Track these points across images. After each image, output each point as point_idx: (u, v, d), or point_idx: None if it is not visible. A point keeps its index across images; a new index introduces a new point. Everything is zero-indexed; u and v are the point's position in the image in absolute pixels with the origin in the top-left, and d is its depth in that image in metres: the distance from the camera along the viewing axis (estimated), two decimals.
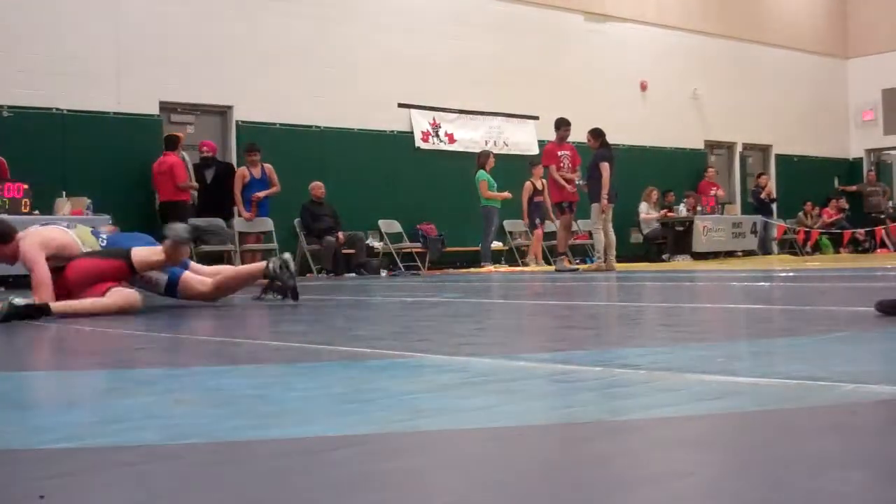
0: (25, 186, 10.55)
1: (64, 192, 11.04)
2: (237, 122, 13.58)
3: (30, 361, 3.32)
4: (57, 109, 11.98)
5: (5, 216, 9.37)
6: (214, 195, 12.51)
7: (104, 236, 5.89)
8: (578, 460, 1.44)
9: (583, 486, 1.28)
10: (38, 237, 5.49)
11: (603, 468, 1.37)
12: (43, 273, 5.30)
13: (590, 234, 12.87)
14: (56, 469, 1.46)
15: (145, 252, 5.52)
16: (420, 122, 15.15)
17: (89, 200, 10.89)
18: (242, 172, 12.81)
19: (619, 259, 12.92)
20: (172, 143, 11.90)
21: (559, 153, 12.53)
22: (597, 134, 12.22)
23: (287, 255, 5.78)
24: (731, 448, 1.53)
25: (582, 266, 13.24)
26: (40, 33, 11.84)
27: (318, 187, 13.25)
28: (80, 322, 4.63)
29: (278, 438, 1.63)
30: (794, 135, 19.81)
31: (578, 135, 12.99)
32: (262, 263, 5.92)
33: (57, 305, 5.11)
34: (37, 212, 10.46)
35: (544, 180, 13.52)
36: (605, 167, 11.81)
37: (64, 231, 5.68)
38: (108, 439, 1.65)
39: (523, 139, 16.07)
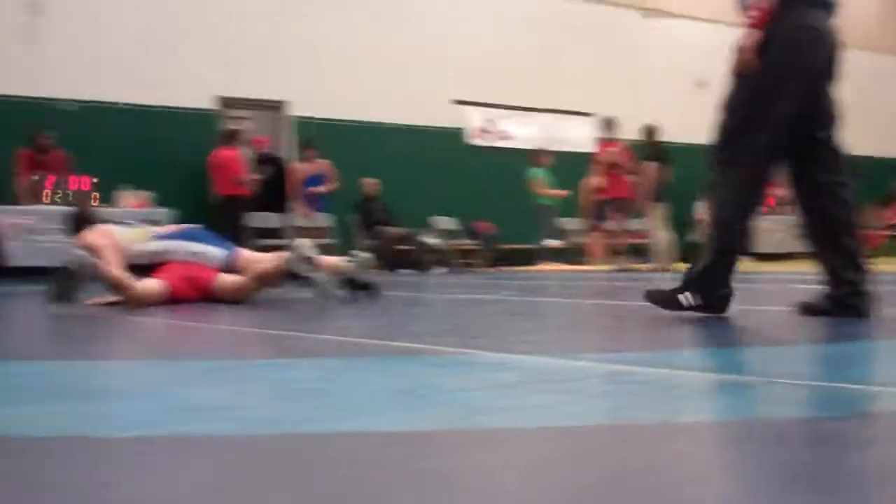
0: (95, 180, 10.77)
1: (127, 186, 11.24)
2: (293, 117, 13.70)
3: (101, 351, 3.39)
4: (125, 104, 12.20)
5: (70, 209, 9.58)
6: (271, 191, 12.62)
7: (160, 232, 5.93)
8: (635, 462, 1.43)
9: (639, 488, 1.27)
10: (99, 235, 5.60)
11: (659, 471, 1.36)
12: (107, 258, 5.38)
13: (647, 235, 12.76)
14: (126, 457, 1.49)
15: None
16: (474, 119, 15.13)
17: (151, 194, 11.08)
18: (300, 168, 12.92)
19: (677, 260, 12.79)
20: (228, 137, 12.01)
21: (609, 151, 12.48)
22: (649, 132, 12.13)
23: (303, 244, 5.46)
24: (791, 451, 1.51)
25: (640, 266, 13.14)
26: (100, 30, 12.05)
27: (371, 184, 13.31)
28: (150, 314, 4.71)
29: (338, 432, 1.65)
30: (853, 134, 19.40)
31: (632, 132, 12.89)
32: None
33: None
34: (103, 205, 10.66)
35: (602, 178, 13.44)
36: (652, 166, 11.73)
37: (115, 232, 5.72)
38: (176, 428, 1.69)
39: (578, 136, 15.98)
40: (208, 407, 1.91)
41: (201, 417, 1.80)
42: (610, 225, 12.45)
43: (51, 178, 10.61)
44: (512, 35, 15.22)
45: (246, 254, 5.88)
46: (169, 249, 5.66)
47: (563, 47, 15.83)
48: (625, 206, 12.33)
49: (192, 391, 2.14)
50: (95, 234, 5.60)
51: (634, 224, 14.26)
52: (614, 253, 12.50)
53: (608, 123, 12.71)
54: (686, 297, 3.76)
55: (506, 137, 15.41)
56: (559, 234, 15.04)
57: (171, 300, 5.24)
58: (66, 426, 1.77)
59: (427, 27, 14.24)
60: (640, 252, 15.23)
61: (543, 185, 13.64)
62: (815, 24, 3.67)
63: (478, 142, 15.22)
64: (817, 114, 3.78)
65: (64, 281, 4.93)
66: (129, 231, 5.83)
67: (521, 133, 15.52)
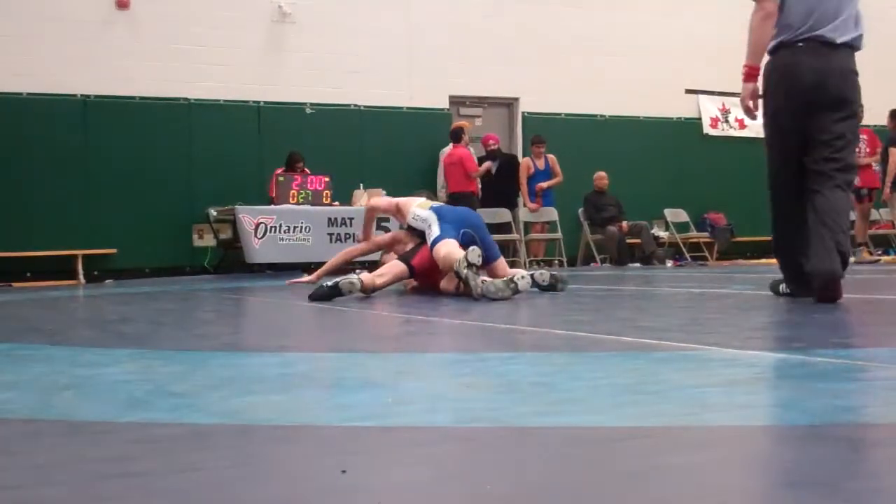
0: (327, 179, 11.27)
1: (361, 185, 11.69)
2: (523, 113, 13.80)
3: (327, 344, 3.54)
4: (354, 105, 12.70)
5: (308, 207, 10.07)
6: (498, 186, 12.77)
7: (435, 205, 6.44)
8: (869, 462, 1.35)
9: (870, 488, 1.20)
10: (374, 200, 7.02)
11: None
12: (367, 224, 6.95)
13: (890, 225, 12.02)
14: (357, 446, 1.55)
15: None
16: (709, 108, 14.71)
17: (384, 192, 11.46)
18: (527, 163, 13.01)
19: None
20: (457, 136, 12.24)
21: None
22: (894, 115, 11.41)
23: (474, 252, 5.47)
24: None
25: (884, 258, 12.36)
26: (338, 34, 12.58)
27: (601, 177, 13.21)
28: (373, 307, 4.89)
29: (564, 426, 1.64)
30: None
31: (880, 117, 12.14)
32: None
33: None
34: (336, 203, 11.16)
35: None
36: (893, 152, 11.03)
37: (400, 203, 6.49)
38: (403, 419, 1.74)
39: None
40: (433, 399, 1.96)
41: (428, 409, 1.84)
42: (862, 212, 11.79)
43: (297, 179, 11.20)
44: (744, 19, 14.68)
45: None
46: (431, 221, 6.03)
47: None
48: (866, 195, 11.64)
49: (419, 384, 2.20)
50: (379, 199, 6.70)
51: (879, 214, 13.43)
52: (855, 244, 11.80)
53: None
54: None
55: (741, 126, 14.89)
56: None
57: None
58: (305, 415, 1.86)
59: (659, 15, 13.95)
60: (885, 242, 14.31)
61: None
62: (796, 62, 4.44)
63: (712, 132, 14.78)
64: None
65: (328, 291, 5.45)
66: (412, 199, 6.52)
67: (759, 122, 14.92)
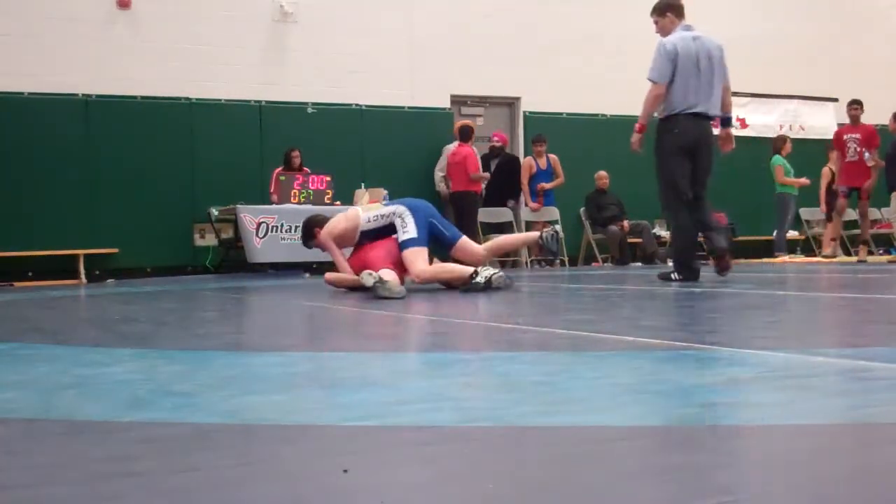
0: (328, 178, 11.27)
1: (362, 184, 11.69)
2: (524, 112, 13.80)
3: (328, 344, 3.55)
4: (356, 105, 12.70)
5: (310, 206, 10.09)
6: (499, 186, 12.78)
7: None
8: (874, 463, 1.35)
9: (879, 490, 1.20)
10: (327, 229, 6.56)
11: None
12: (336, 258, 6.57)
13: (890, 225, 12.04)
14: (357, 445, 1.56)
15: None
16: None
17: (385, 191, 11.48)
18: (529, 163, 13.01)
19: None
20: (467, 135, 12.22)
21: (845, 136, 11.81)
22: None
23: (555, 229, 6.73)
24: None
25: (886, 257, 12.38)
26: (340, 33, 12.59)
27: (602, 177, 13.21)
28: (373, 307, 4.89)
29: (565, 426, 1.65)
30: None
31: (881, 117, 12.15)
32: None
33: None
34: (338, 202, 11.17)
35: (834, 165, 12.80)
36: None
37: (347, 217, 6.59)
38: (404, 419, 1.74)
39: (821, 122, 15.21)
40: (434, 398, 1.96)
41: (429, 408, 1.85)
42: (841, 214, 11.81)
43: (298, 179, 11.21)
44: (750, 19, 14.67)
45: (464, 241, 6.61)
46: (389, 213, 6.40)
47: (804, 30, 15.11)
48: (865, 194, 11.64)
49: (420, 383, 2.20)
50: (326, 236, 6.55)
51: (881, 213, 13.44)
52: (861, 243, 11.81)
53: (848, 105, 12.10)
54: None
55: (743, 126, 14.88)
56: (799, 224, 14.39)
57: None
58: (306, 414, 1.86)
59: None
60: (886, 242, 14.32)
61: (784, 174, 13.07)
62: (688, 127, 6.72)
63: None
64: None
65: None
66: (361, 210, 6.64)
67: (760, 121, 14.92)
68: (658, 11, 7.00)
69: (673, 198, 6.72)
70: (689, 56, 6.72)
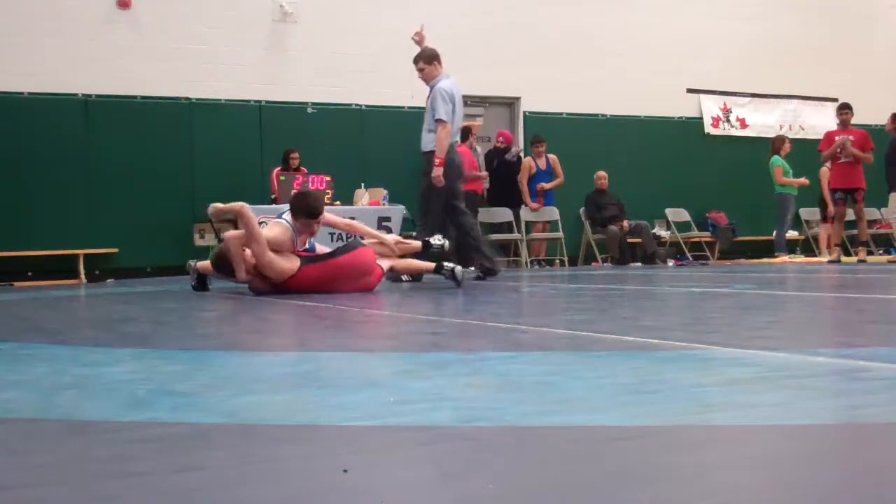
0: (328, 178, 11.27)
1: (362, 184, 11.69)
2: (524, 112, 13.80)
3: (326, 343, 3.55)
4: (356, 105, 12.70)
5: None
6: (500, 186, 12.78)
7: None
8: (872, 462, 1.35)
9: (877, 489, 1.20)
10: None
11: None
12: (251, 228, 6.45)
13: (889, 225, 12.04)
14: (358, 445, 1.56)
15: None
16: (710, 108, 14.71)
17: (386, 191, 11.47)
18: (528, 163, 13.01)
19: None
20: (465, 135, 12.22)
21: (836, 139, 11.77)
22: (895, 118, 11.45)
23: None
24: None
25: (886, 257, 12.38)
26: (340, 33, 12.59)
27: (601, 177, 13.21)
28: (373, 307, 4.90)
29: (565, 426, 1.65)
30: None
31: (881, 117, 12.15)
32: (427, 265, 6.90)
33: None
34: (338, 202, 11.16)
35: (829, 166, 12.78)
36: None
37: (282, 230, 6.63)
38: (404, 419, 1.74)
39: (821, 123, 15.20)
40: (435, 398, 1.96)
41: (429, 408, 1.85)
42: (838, 215, 11.79)
43: (298, 179, 11.21)
44: (750, 18, 14.67)
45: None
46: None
47: (805, 29, 15.11)
48: (860, 195, 11.62)
49: (420, 384, 2.20)
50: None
51: (882, 213, 13.44)
52: (859, 244, 11.80)
53: (838, 109, 12.08)
54: None
55: (743, 126, 14.89)
56: (799, 224, 14.40)
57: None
58: (306, 414, 1.86)
59: (659, 15, 13.95)
60: (885, 242, 14.32)
61: (783, 174, 13.07)
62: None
63: (713, 131, 14.78)
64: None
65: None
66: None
67: (760, 121, 14.93)
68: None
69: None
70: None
